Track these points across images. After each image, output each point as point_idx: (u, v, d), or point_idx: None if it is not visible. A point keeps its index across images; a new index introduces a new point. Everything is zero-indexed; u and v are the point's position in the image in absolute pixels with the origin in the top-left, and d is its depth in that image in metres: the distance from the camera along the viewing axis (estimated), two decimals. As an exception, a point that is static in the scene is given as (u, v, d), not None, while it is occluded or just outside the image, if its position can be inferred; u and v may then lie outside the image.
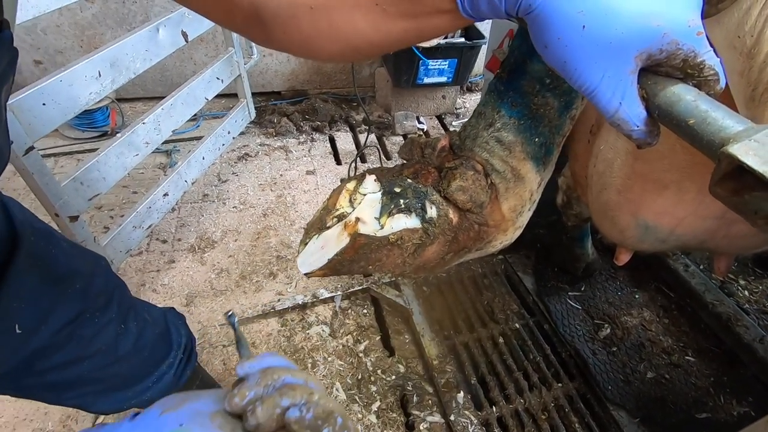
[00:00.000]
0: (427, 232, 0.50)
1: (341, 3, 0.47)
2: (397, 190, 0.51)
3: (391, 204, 0.49)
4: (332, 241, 0.50)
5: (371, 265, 0.50)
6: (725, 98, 0.51)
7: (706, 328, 1.39)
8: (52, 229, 0.74)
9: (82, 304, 0.72)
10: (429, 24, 0.46)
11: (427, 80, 2.37)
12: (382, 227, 0.49)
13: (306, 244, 0.53)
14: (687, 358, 1.32)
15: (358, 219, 0.49)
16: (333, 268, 0.51)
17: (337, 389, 1.32)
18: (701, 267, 1.54)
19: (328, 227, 0.51)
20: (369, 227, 0.49)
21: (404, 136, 2.47)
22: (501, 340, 1.38)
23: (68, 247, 0.74)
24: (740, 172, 0.32)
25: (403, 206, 0.50)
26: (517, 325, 1.42)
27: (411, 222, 0.50)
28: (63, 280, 0.69)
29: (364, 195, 0.51)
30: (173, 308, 1.04)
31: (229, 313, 0.48)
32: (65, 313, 0.69)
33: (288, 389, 0.31)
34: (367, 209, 0.50)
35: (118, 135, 1.43)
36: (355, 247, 0.49)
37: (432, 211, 0.51)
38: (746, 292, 1.52)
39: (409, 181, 0.53)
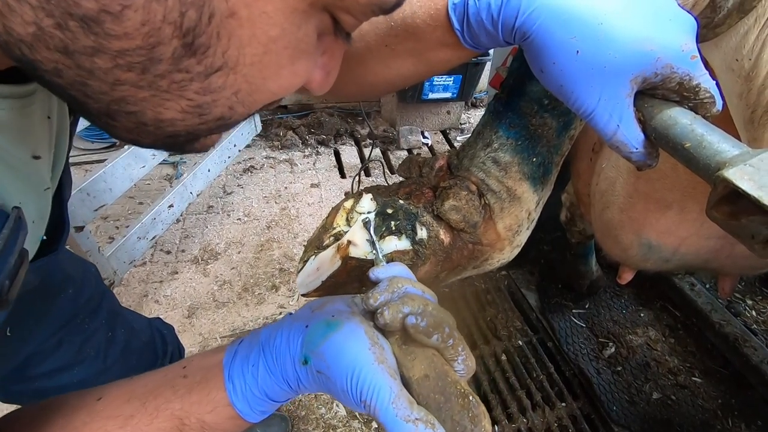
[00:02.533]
0: (417, 254, 0.50)
1: (354, 48, 0.49)
2: (389, 211, 0.51)
3: (382, 226, 0.50)
4: (326, 264, 0.51)
5: (365, 286, 0.50)
6: (725, 120, 0.51)
7: (713, 349, 1.36)
8: None
9: (73, 310, 0.73)
10: (435, 58, 0.49)
11: (432, 96, 2.39)
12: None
13: (305, 262, 0.54)
14: (694, 379, 1.29)
15: (349, 242, 0.50)
16: (327, 289, 0.51)
17: (337, 405, 1.31)
18: (707, 286, 1.52)
19: (325, 246, 0.52)
20: (360, 249, 0.49)
21: (409, 151, 2.49)
22: (504, 357, 1.36)
23: (60, 252, 0.75)
24: (736, 196, 0.32)
25: (393, 228, 0.50)
26: (520, 342, 1.40)
27: (401, 244, 0.50)
28: (57, 284, 0.70)
29: (360, 214, 0.51)
30: (159, 318, 1.04)
31: (365, 219, 0.50)
32: (57, 319, 0.69)
33: (409, 299, 0.38)
34: (359, 231, 0.50)
35: (126, 147, 1.46)
36: (347, 269, 0.49)
37: (422, 233, 0.51)
38: (753, 312, 1.50)
39: (401, 202, 0.53)
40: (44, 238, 0.42)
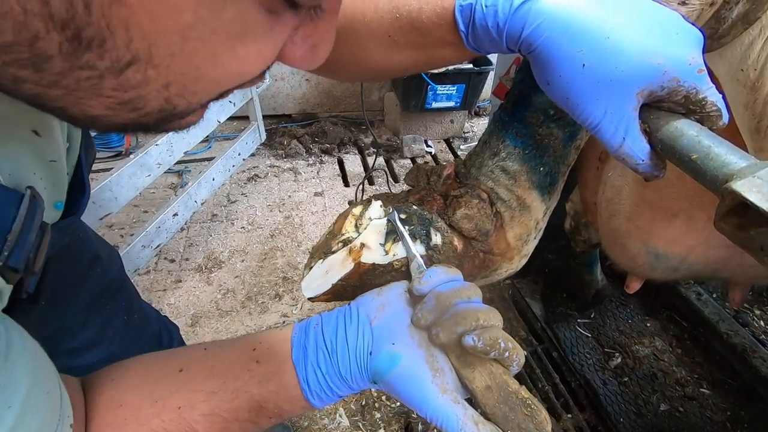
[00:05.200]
0: (431, 260, 0.50)
1: (357, 34, 0.50)
2: (403, 216, 0.51)
3: (395, 231, 0.50)
4: (337, 266, 0.50)
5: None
6: (731, 130, 0.51)
7: (721, 360, 1.35)
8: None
9: (99, 290, 0.75)
10: (436, 54, 0.50)
11: (435, 105, 2.40)
12: (386, 253, 0.49)
13: (311, 268, 0.53)
14: (702, 390, 1.28)
15: (363, 245, 0.49)
16: (336, 293, 0.51)
17: (340, 415, 1.30)
18: (714, 295, 1.50)
19: (333, 252, 0.51)
20: (373, 253, 0.49)
21: (412, 160, 2.49)
22: (508, 367, 1.35)
23: (91, 233, 0.78)
24: (745, 208, 0.32)
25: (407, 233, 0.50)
26: (525, 352, 1.39)
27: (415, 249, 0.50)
28: (88, 261, 0.72)
29: (370, 220, 0.51)
30: (167, 316, 1.05)
31: (392, 211, 0.51)
32: (86, 295, 0.72)
33: (461, 317, 0.40)
34: (371, 235, 0.50)
35: (132, 156, 1.47)
36: (359, 272, 0.49)
37: (437, 238, 0.51)
38: (762, 323, 1.48)
39: (415, 207, 0.53)
40: (61, 204, 0.43)
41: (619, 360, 1.34)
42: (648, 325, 1.45)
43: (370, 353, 0.41)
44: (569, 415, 1.23)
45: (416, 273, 0.48)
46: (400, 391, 0.40)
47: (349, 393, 0.43)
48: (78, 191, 0.51)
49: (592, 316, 1.47)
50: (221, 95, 0.29)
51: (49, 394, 0.34)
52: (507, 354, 0.40)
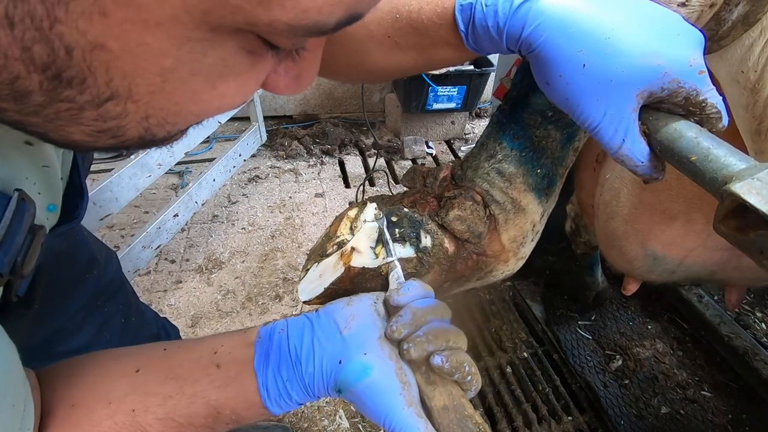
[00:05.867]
0: (421, 261, 0.50)
1: (356, 35, 0.50)
2: (394, 219, 0.51)
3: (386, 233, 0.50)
4: (329, 270, 0.51)
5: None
6: (731, 131, 0.51)
7: (722, 362, 1.34)
8: None
9: (96, 292, 0.75)
10: (436, 55, 0.50)
11: (436, 106, 2.40)
12: (376, 257, 0.49)
13: (307, 270, 0.53)
14: (703, 393, 1.27)
15: (353, 248, 0.50)
16: (330, 296, 0.51)
17: (340, 417, 1.29)
18: (715, 298, 1.50)
19: (328, 254, 0.52)
20: (364, 257, 0.49)
21: (413, 161, 2.49)
22: (509, 369, 1.35)
23: (88, 236, 0.78)
24: (744, 210, 0.32)
25: (398, 235, 0.50)
26: (525, 354, 1.39)
27: (405, 251, 0.50)
28: (84, 264, 0.72)
29: (365, 223, 0.51)
30: (167, 318, 1.05)
31: (380, 224, 0.52)
32: (81, 297, 0.72)
33: (433, 336, 0.41)
34: (363, 238, 0.50)
35: (132, 156, 1.47)
36: (350, 276, 0.49)
37: (427, 241, 0.51)
38: (763, 325, 1.48)
39: (406, 210, 0.53)
40: (54, 206, 0.43)
41: (620, 362, 1.34)
42: (649, 327, 1.45)
43: (340, 362, 0.41)
44: (570, 418, 1.23)
45: (394, 283, 0.48)
46: (367, 400, 0.40)
47: (308, 401, 0.43)
48: (76, 196, 0.51)
49: (592, 318, 1.47)
50: (192, 125, 0.29)
51: (15, 407, 0.33)
52: (469, 378, 0.42)
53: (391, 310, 0.45)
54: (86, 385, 0.41)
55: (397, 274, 0.48)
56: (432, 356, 0.40)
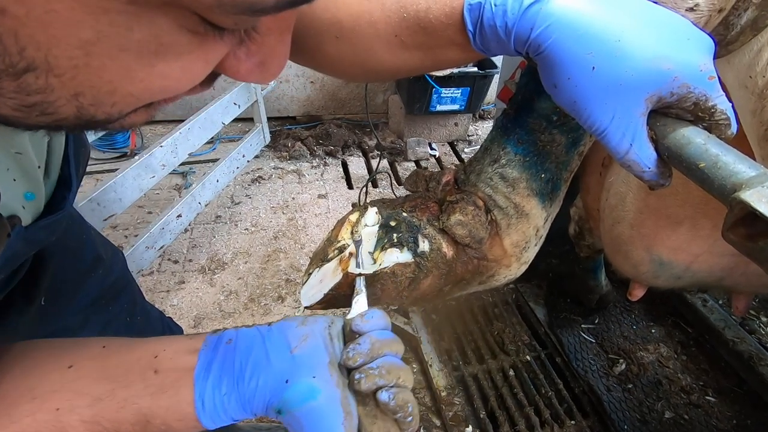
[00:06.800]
0: (419, 266, 0.50)
1: (363, 34, 0.50)
2: (392, 224, 0.51)
3: (384, 238, 0.50)
4: (329, 276, 0.51)
5: (367, 298, 0.50)
6: (738, 137, 0.51)
7: (727, 367, 1.33)
8: (82, 217, 0.78)
9: (100, 291, 0.74)
10: (443, 55, 0.49)
11: (439, 108, 2.40)
12: (374, 262, 0.49)
13: (309, 275, 0.53)
14: (707, 398, 1.26)
15: (351, 255, 0.49)
16: (330, 302, 0.51)
17: (341, 419, 1.29)
18: (720, 302, 1.49)
19: (329, 259, 0.52)
20: (362, 262, 0.49)
21: (416, 162, 2.49)
22: (511, 372, 1.34)
23: (95, 235, 0.78)
24: (753, 218, 0.32)
25: (395, 240, 0.50)
26: (528, 358, 1.38)
27: (403, 256, 0.50)
28: (88, 264, 0.72)
29: (366, 227, 0.51)
30: (171, 318, 1.05)
31: (358, 239, 0.52)
32: (86, 296, 0.71)
33: (385, 371, 0.41)
34: (362, 244, 0.50)
35: (137, 157, 1.47)
36: (348, 282, 0.49)
37: (424, 245, 0.51)
38: (769, 330, 1.47)
39: (405, 214, 0.53)
40: (32, 195, 0.41)
41: (624, 366, 1.33)
42: (653, 331, 1.44)
43: (287, 381, 0.40)
44: (573, 422, 1.22)
45: (357, 308, 0.48)
46: (306, 425, 0.39)
47: (243, 418, 0.41)
48: (64, 187, 0.49)
49: (596, 321, 1.46)
50: (165, 101, 0.28)
51: None
52: (409, 419, 0.41)
53: (349, 335, 0.44)
54: (13, 377, 0.39)
55: (362, 300, 0.48)
56: (380, 391, 0.40)
